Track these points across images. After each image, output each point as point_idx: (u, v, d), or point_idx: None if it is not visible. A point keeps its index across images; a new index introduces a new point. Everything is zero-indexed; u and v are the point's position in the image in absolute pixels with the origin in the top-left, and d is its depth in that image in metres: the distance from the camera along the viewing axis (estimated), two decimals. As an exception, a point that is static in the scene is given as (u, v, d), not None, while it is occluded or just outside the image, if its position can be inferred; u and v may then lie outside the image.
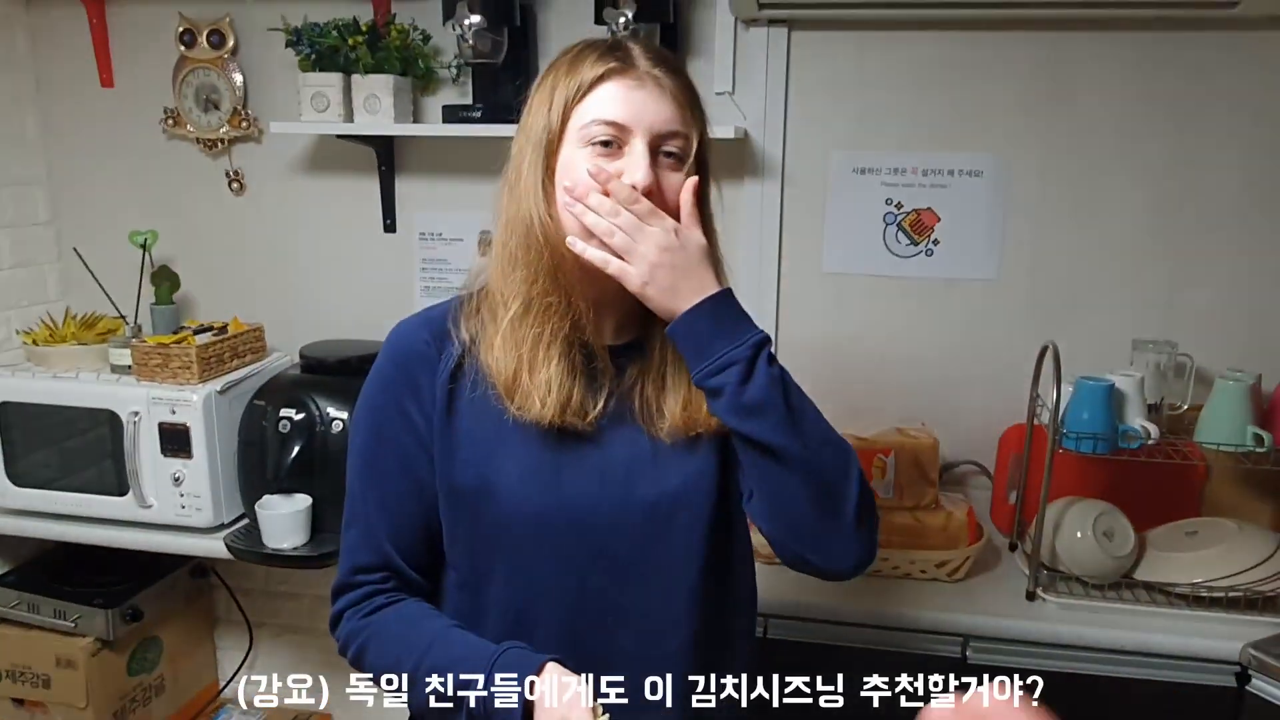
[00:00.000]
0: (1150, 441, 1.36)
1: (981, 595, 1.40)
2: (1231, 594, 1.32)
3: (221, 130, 1.83)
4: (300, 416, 1.57)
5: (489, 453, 0.84)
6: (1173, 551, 1.40)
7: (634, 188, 0.79)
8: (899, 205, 1.68)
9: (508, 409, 0.83)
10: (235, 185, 1.87)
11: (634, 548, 0.85)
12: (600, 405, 0.85)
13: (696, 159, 0.84)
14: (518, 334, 0.83)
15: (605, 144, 0.80)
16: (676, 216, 0.82)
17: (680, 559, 0.86)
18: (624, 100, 0.80)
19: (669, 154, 0.82)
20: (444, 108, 1.69)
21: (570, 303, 0.84)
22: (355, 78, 1.66)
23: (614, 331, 0.89)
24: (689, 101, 0.83)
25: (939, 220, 1.68)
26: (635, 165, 0.79)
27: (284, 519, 1.55)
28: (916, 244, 1.70)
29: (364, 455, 0.88)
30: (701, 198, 0.85)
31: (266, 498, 1.58)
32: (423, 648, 0.82)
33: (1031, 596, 1.37)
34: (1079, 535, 1.38)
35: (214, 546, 1.62)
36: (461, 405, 0.85)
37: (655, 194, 0.80)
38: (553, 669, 0.76)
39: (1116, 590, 1.39)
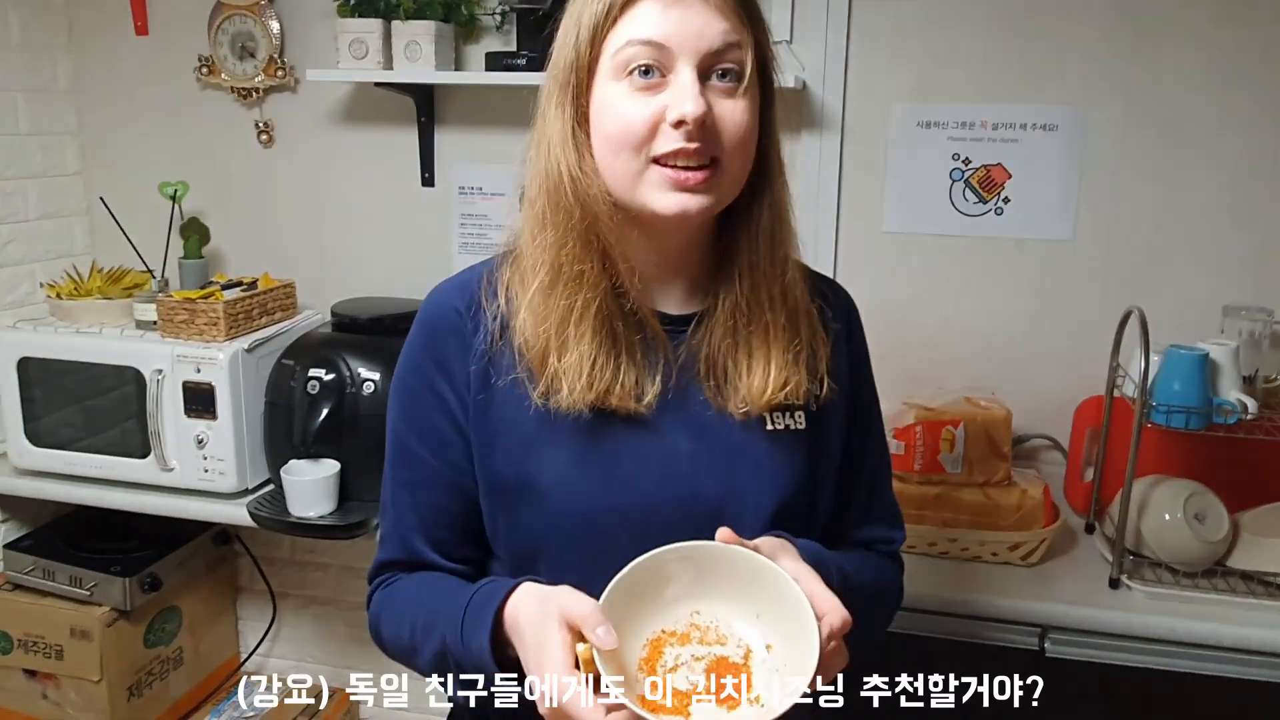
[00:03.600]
0: (1247, 416, 1.18)
1: (1059, 581, 1.22)
2: (1341, 585, 1.13)
3: (257, 79, 1.68)
4: (330, 377, 1.42)
5: (532, 443, 0.69)
6: (1272, 537, 1.21)
7: (683, 120, 0.62)
8: (966, 161, 1.49)
9: (530, 396, 0.67)
10: (264, 137, 1.71)
11: None
12: (658, 384, 0.69)
13: (759, 76, 0.66)
14: (545, 307, 0.68)
15: (645, 72, 0.63)
16: (733, 150, 0.65)
17: None
18: (663, 18, 0.63)
19: (724, 73, 0.64)
20: (487, 55, 1.53)
21: (608, 268, 0.67)
22: (396, 24, 1.51)
23: (682, 299, 0.73)
24: (740, 8, 0.65)
25: (1010, 177, 1.48)
26: (683, 95, 0.62)
27: (310, 485, 1.39)
28: (985, 202, 1.50)
29: (395, 438, 0.74)
30: (765, 128, 0.68)
31: (293, 463, 1.42)
32: (419, 610, 0.70)
33: (1115, 584, 1.19)
34: (1167, 517, 1.20)
35: (237, 513, 1.46)
36: (499, 386, 0.69)
37: (709, 125, 0.63)
38: (526, 589, 0.64)
39: (1209, 578, 1.20)
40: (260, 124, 1.71)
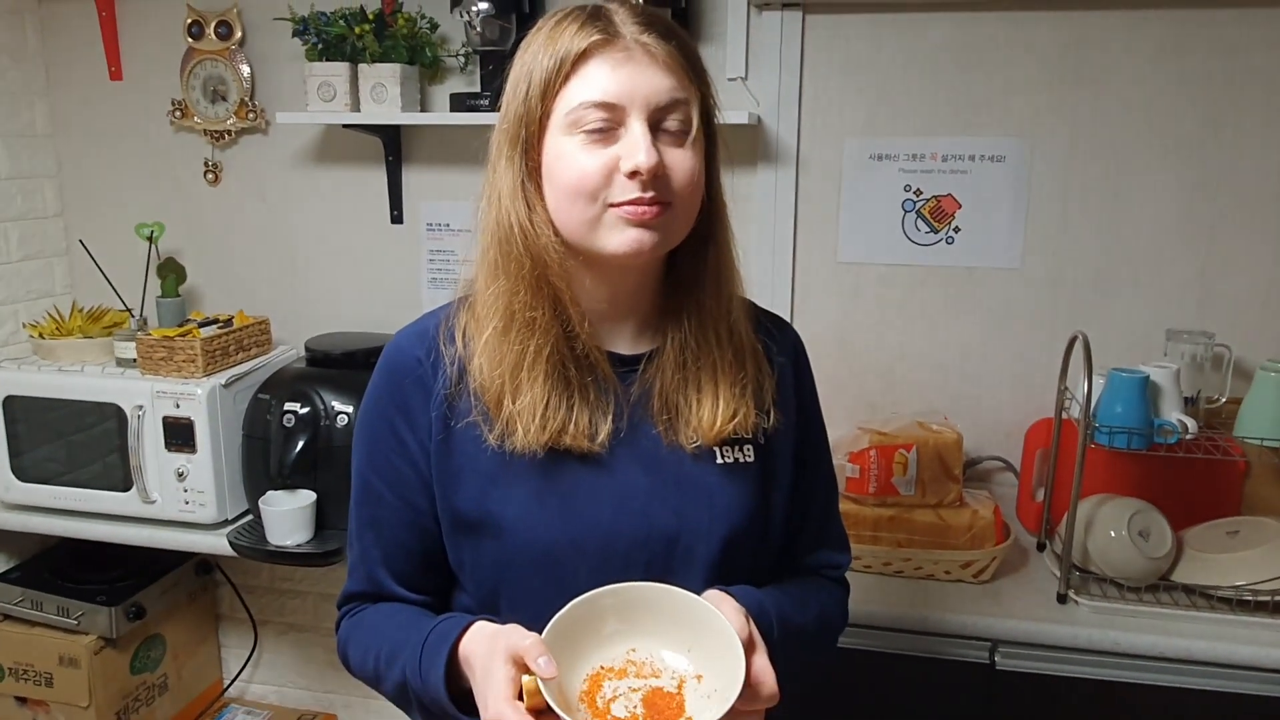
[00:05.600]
0: (1188, 436, 1.23)
1: (1010, 598, 1.26)
2: (1278, 598, 1.17)
3: (228, 122, 1.73)
4: (305, 411, 1.47)
5: (492, 481, 0.73)
6: (1213, 552, 1.26)
7: (638, 171, 0.66)
8: (918, 192, 1.54)
9: (487, 438, 0.71)
10: (210, 176, 1.76)
11: (650, 580, 0.72)
12: (610, 423, 0.73)
13: (703, 126, 0.71)
14: (499, 352, 0.71)
15: (599, 126, 0.67)
16: (683, 196, 0.69)
17: (699, 591, 0.73)
18: (612, 77, 0.67)
19: (671, 127, 0.68)
20: (451, 96, 1.58)
21: (559, 314, 0.71)
22: (362, 67, 1.56)
23: (632, 339, 0.76)
24: (685, 65, 0.69)
25: (960, 207, 1.54)
26: (636, 147, 0.66)
27: (287, 515, 1.44)
28: (936, 231, 1.56)
29: (359, 477, 0.78)
30: (710, 174, 0.73)
31: (270, 494, 1.47)
32: (383, 642, 0.74)
33: (1063, 599, 1.24)
34: (1113, 535, 1.25)
35: (217, 543, 1.51)
36: (458, 428, 0.73)
37: (661, 174, 0.67)
38: (478, 628, 0.69)
39: (1153, 593, 1.25)
40: (209, 163, 1.75)
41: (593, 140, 0.67)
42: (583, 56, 0.67)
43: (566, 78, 0.67)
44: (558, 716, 0.59)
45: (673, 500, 0.74)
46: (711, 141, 0.73)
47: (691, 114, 0.69)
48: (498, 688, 0.62)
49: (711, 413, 0.74)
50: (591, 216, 0.68)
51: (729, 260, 0.76)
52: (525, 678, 0.62)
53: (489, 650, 0.65)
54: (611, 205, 0.68)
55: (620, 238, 0.68)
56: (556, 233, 0.71)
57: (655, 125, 0.68)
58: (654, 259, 0.73)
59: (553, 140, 0.69)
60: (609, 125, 0.67)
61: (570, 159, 0.67)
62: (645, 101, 0.67)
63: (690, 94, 0.69)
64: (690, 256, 0.75)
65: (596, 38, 0.67)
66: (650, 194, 0.67)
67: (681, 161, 0.69)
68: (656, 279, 0.76)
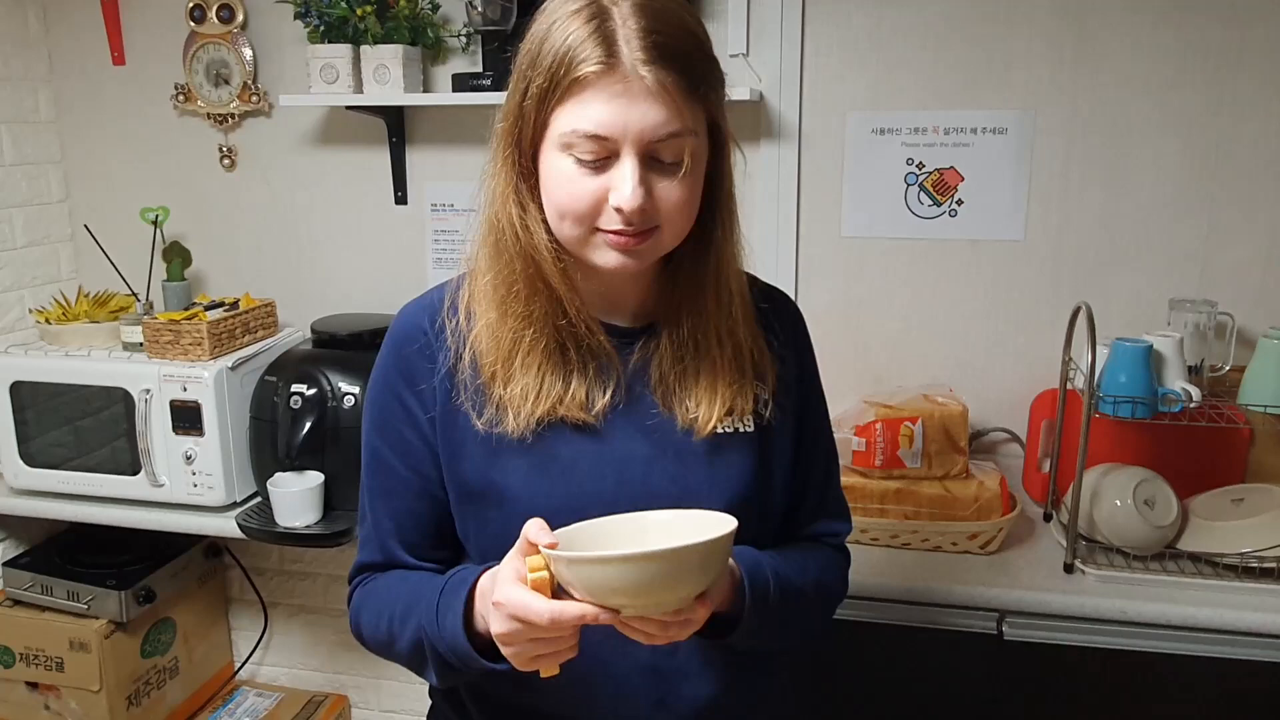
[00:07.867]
0: (1192, 405, 1.24)
1: (1016, 568, 1.27)
2: (1285, 564, 1.18)
3: (232, 105, 1.73)
4: (312, 392, 1.47)
5: (495, 452, 0.74)
6: (1218, 520, 1.27)
7: (622, 209, 0.66)
8: (920, 165, 1.55)
9: (475, 423, 0.73)
10: (226, 161, 1.77)
11: None
12: (608, 395, 0.74)
13: (711, 138, 0.70)
14: (495, 337, 0.73)
15: (591, 153, 0.67)
16: (671, 220, 0.69)
17: None
18: (606, 109, 0.65)
19: (665, 159, 0.67)
20: (454, 76, 1.59)
21: (555, 302, 0.72)
22: (364, 49, 1.57)
23: (633, 315, 0.78)
24: (688, 89, 0.66)
25: (962, 179, 1.54)
26: (624, 184, 0.66)
27: (296, 497, 1.45)
28: (939, 204, 1.56)
29: (370, 448, 0.79)
30: (718, 180, 0.73)
31: (278, 475, 1.48)
32: (396, 602, 0.75)
33: (1069, 569, 1.24)
34: (1118, 504, 1.25)
35: (226, 525, 1.52)
36: (464, 400, 0.74)
37: (649, 207, 0.67)
38: (489, 571, 0.69)
39: (1160, 561, 1.25)
40: (224, 148, 1.76)
41: (584, 166, 0.67)
42: (580, 81, 0.66)
43: (561, 99, 0.66)
44: (561, 592, 0.62)
45: (672, 469, 0.75)
46: (721, 145, 0.72)
47: (683, 148, 0.67)
48: (505, 575, 0.64)
49: (708, 410, 0.75)
50: (579, 235, 0.70)
51: (731, 261, 0.76)
52: (527, 559, 0.63)
53: (495, 571, 0.66)
54: (598, 229, 0.69)
55: (606, 258, 0.70)
56: (550, 231, 0.71)
57: (648, 155, 0.67)
58: (645, 268, 0.74)
59: (548, 152, 0.69)
60: (601, 155, 0.67)
61: (563, 180, 0.68)
62: (639, 136, 0.66)
63: (690, 123, 0.67)
64: (692, 257, 0.75)
65: (595, 67, 0.65)
66: (634, 227, 0.68)
67: (671, 193, 0.68)
68: (654, 269, 0.77)
